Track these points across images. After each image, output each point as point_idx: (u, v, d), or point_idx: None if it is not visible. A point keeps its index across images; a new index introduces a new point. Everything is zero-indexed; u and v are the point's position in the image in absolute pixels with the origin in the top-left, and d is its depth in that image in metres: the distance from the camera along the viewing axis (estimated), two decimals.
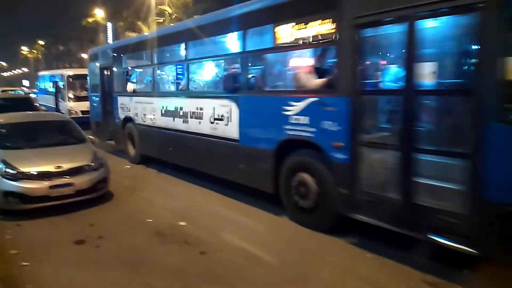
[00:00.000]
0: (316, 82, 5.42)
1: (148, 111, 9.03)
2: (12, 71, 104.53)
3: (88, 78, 13.29)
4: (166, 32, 9.12)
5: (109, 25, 37.89)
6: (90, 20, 38.19)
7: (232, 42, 7.07)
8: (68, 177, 6.12)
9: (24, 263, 4.45)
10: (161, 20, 27.43)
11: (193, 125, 7.41)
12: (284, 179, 5.64)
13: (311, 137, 5.11)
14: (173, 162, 8.53)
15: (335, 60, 5.08)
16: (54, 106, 18.08)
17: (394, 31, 4.38)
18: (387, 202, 4.34)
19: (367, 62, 4.82)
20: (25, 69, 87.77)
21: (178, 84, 8.67)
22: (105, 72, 11.27)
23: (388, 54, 5.35)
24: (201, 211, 6.30)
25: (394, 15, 4.15)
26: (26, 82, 68.77)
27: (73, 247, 4.96)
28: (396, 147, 4.23)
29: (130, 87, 10.06)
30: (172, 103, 8.12)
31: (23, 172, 5.95)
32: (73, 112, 16.21)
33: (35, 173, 5.99)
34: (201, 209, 6.43)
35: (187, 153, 7.80)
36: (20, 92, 29.00)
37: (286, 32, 5.46)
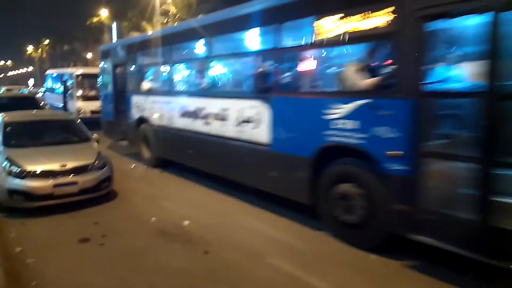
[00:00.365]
0: (368, 82, 4.74)
1: (166, 111, 8.51)
2: (17, 70, 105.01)
3: (99, 76, 12.90)
4: (188, 26, 8.13)
5: (114, 25, 38.00)
6: (95, 20, 38.34)
7: (264, 37, 6.46)
8: (72, 175, 6.15)
9: (29, 261, 4.48)
10: (165, 21, 27.49)
11: (216, 127, 6.87)
12: (324, 190, 5.05)
13: (359, 144, 4.52)
14: (193, 166, 7.99)
15: (393, 57, 4.47)
16: (62, 106, 17.56)
17: (470, 23, 3.88)
18: (458, 223, 3.77)
19: (435, 60, 4.24)
20: (30, 68, 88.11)
21: (199, 83, 8.03)
22: (118, 70, 10.83)
23: (460, 51, 4.48)
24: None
25: (473, 6, 3.59)
26: (31, 81, 68.95)
27: (77, 245, 4.98)
28: (472, 159, 3.66)
29: (146, 85, 9.48)
30: (192, 103, 7.60)
31: (27, 170, 5.98)
32: (82, 112, 15.88)
33: (40, 171, 6.02)
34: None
35: (208, 157, 7.25)
36: (25, 91, 29.04)
37: (331, 25, 4.86)
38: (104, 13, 35.56)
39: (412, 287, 3.99)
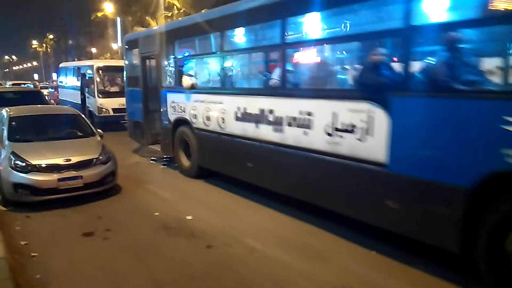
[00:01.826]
0: None
1: (215, 113, 6.91)
2: (22, 65, 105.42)
3: (123, 69, 11.16)
4: (251, 6, 6.07)
5: (118, 19, 38.00)
6: (99, 14, 38.35)
7: (381, 12, 5.01)
8: (76, 170, 6.19)
9: (33, 254, 4.52)
10: (169, 14, 27.44)
11: (292, 136, 5.33)
12: (488, 237, 3.50)
13: None
14: (252, 183, 6.37)
15: None
16: (79, 103, 15.70)
17: None
18: None
19: None
20: (35, 63, 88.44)
21: (267, 78, 6.66)
22: (148, 62, 9.41)
23: None
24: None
25: None
26: (35, 76, 69.27)
27: (81, 239, 5.02)
28: None
29: (187, 81, 7.65)
30: (255, 104, 5.97)
31: (32, 165, 6.02)
32: (104, 109, 14.15)
33: (45, 165, 6.06)
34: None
35: (279, 173, 5.72)
36: (30, 85, 29.14)
37: None
38: (108, 8, 35.54)
39: None
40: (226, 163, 6.95)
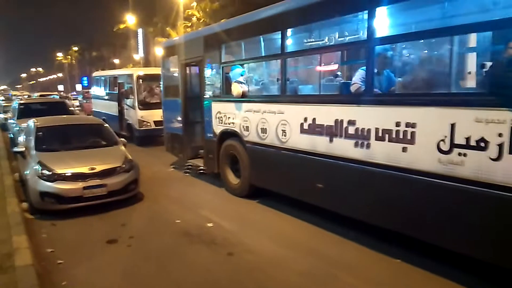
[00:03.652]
0: None
1: (273, 124, 5.99)
2: (47, 76, 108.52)
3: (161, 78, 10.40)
4: None
5: (140, 31, 38.78)
6: (122, 26, 39.24)
7: None
8: (101, 178, 6.30)
9: (59, 261, 4.60)
10: (189, 24, 27.85)
11: (383, 153, 4.32)
12: None
13: None
14: (322, 207, 5.45)
15: None
16: (116, 115, 14.53)
17: None
18: None
19: None
20: (60, 74, 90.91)
21: (343, 83, 5.86)
22: (189, 70, 8.73)
23: None
24: None
25: None
26: (60, 87, 71.14)
27: (105, 246, 5.09)
28: None
29: (237, 89, 6.71)
30: (329, 114, 5.02)
31: (58, 174, 6.15)
32: (145, 122, 12.98)
33: (70, 174, 6.19)
34: None
35: (361, 197, 4.71)
36: (56, 96, 29.90)
37: None
38: (130, 20, 36.35)
39: None
40: (288, 182, 5.96)
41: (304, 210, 5.90)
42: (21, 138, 8.33)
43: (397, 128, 4.14)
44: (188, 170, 9.01)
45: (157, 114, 12.32)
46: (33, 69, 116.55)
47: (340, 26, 5.94)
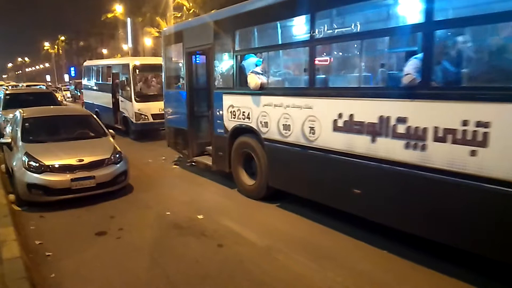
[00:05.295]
0: None
1: (299, 120, 5.36)
2: (34, 66, 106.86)
3: (162, 68, 9.48)
4: None
5: (128, 20, 38.26)
6: (110, 15, 38.65)
7: None
8: (89, 170, 6.25)
9: (48, 253, 4.58)
10: (179, 15, 27.55)
11: (444, 156, 3.71)
12: None
13: None
14: (359, 215, 4.82)
15: None
16: (111, 107, 13.91)
17: None
18: None
19: None
20: (47, 64, 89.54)
21: (389, 74, 5.15)
22: (194, 59, 8.11)
23: None
24: None
25: None
26: (47, 77, 70.17)
27: (94, 238, 5.07)
28: None
29: (255, 80, 5.97)
30: (371, 110, 4.39)
31: (46, 165, 6.09)
32: (143, 115, 12.29)
33: (58, 166, 6.13)
34: None
35: (412, 206, 4.11)
36: (43, 87, 29.40)
37: None
38: (118, 9, 35.79)
39: None
40: (315, 185, 5.34)
41: (330, 215, 5.36)
42: (8, 129, 8.22)
43: (464, 128, 3.53)
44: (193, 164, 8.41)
45: (154, 107, 11.93)
46: (19, 59, 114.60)
47: (387, 7, 5.15)
